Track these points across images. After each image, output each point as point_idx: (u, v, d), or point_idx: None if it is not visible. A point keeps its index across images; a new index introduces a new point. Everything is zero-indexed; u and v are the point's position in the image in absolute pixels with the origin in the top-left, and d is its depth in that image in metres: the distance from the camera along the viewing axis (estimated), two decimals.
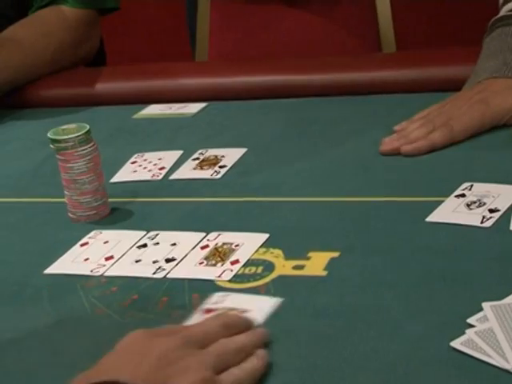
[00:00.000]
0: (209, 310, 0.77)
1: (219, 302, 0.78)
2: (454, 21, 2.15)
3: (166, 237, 0.90)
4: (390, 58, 1.35)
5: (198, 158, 1.09)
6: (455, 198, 0.90)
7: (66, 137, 0.94)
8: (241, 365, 0.68)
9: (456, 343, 0.68)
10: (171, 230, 0.92)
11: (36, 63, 1.38)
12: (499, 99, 1.02)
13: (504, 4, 1.11)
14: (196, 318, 0.76)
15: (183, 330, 0.70)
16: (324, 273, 0.81)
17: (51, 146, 0.95)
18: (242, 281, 0.81)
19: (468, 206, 0.88)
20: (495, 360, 0.65)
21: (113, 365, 0.66)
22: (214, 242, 0.88)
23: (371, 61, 1.30)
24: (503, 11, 1.10)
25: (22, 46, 1.37)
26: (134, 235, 0.92)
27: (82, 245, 0.91)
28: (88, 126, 0.95)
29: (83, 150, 0.95)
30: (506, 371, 0.64)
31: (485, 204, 0.88)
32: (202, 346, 0.67)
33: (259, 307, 0.77)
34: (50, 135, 0.95)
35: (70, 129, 0.95)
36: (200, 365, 0.65)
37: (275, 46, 1.59)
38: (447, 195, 0.91)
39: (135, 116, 1.28)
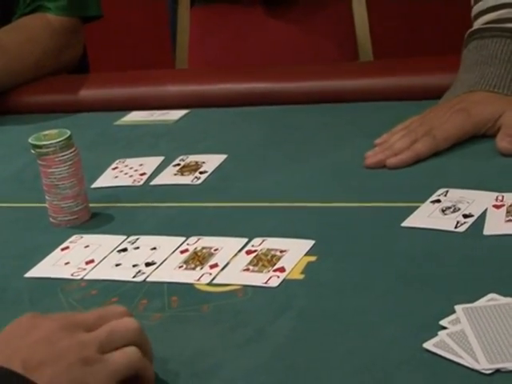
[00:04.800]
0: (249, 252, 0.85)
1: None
2: (430, 29, 2.18)
3: (146, 241, 0.91)
4: (368, 67, 1.37)
5: (178, 164, 1.10)
6: (430, 204, 0.91)
7: (48, 142, 0.95)
8: (127, 348, 0.67)
9: (429, 344, 0.69)
10: (151, 234, 0.93)
11: (19, 69, 1.39)
12: (479, 108, 1.04)
13: (477, 17, 1.13)
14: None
15: (75, 315, 0.70)
16: (301, 276, 0.82)
17: (32, 151, 0.96)
18: (221, 284, 0.82)
19: (443, 211, 0.90)
20: (466, 361, 0.67)
21: None
22: (194, 247, 0.89)
23: (350, 69, 1.32)
24: (477, 24, 1.12)
25: (5, 51, 1.38)
26: (114, 240, 0.93)
27: (62, 249, 0.92)
28: (69, 132, 0.96)
29: (64, 155, 0.96)
30: (477, 371, 0.66)
31: (459, 209, 0.89)
32: (91, 330, 0.67)
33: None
34: (31, 141, 0.96)
35: (51, 134, 0.96)
36: (82, 345, 0.65)
37: (254, 54, 1.61)
38: (423, 201, 0.92)
39: (117, 122, 1.29)
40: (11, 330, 0.67)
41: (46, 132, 0.97)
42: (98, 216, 0.99)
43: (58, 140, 0.95)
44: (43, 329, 0.66)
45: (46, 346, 0.64)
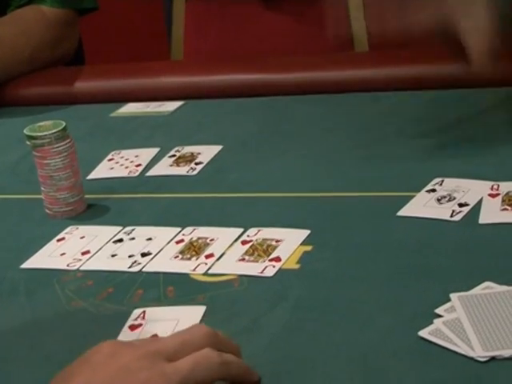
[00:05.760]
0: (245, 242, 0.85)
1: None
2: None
3: (141, 232, 0.91)
4: (363, 57, 1.37)
5: (174, 155, 1.10)
6: (426, 193, 0.91)
7: (42, 133, 0.95)
8: None
9: (424, 333, 0.69)
10: (147, 225, 0.93)
11: (14, 62, 1.38)
12: None
13: None
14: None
15: (157, 341, 0.66)
16: (297, 266, 0.82)
17: (28, 142, 0.96)
18: (216, 274, 0.83)
19: (438, 200, 0.90)
20: (461, 348, 0.67)
21: (73, 372, 0.63)
22: (189, 237, 0.89)
23: (345, 60, 1.32)
24: None
25: (1, 44, 1.38)
26: (110, 230, 0.92)
27: (58, 240, 0.92)
28: (64, 123, 0.96)
29: (59, 146, 0.96)
30: (472, 359, 0.66)
31: (455, 198, 0.89)
32: (173, 359, 0.63)
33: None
34: (26, 132, 0.96)
35: (46, 126, 0.96)
36: (163, 377, 0.62)
37: (249, 46, 1.60)
38: (418, 190, 0.92)
39: (113, 114, 1.29)
40: (91, 356, 0.64)
41: (41, 123, 0.97)
42: (94, 207, 0.99)
43: (53, 131, 0.95)
44: (123, 357, 0.63)
45: (125, 376, 0.61)
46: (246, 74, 1.31)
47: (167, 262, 0.85)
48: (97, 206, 0.99)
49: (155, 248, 0.88)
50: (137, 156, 1.12)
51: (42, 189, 0.98)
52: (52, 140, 0.95)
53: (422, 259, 0.81)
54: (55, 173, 0.96)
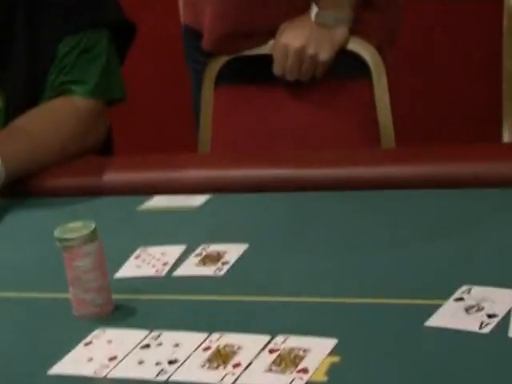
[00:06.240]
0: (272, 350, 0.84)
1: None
2: (452, 118, 2.19)
3: (168, 337, 0.91)
4: (390, 154, 1.38)
5: (200, 254, 1.11)
6: (454, 302, 0.91)
7: (72, 235, 0.96)
8: None
9: None
10: (174, 328, 0.93)
11: (44, 153, 1.41)
12: None
13: None
14: None
15: None
16: (325, 378, 0.82)
17: (57, 243, 0.97)
18: None
19: (466, 310, 0.89)
20: None
21: None
22: (217, 344, 0.89)
23: (372, 156, 1.33)
24: None
25: (31, 136, 1.40)
26: (137, 335, 0.92)
27: (85, 344, 0.92)
28: (94, 225, 0.97)
29: (88, 248, 0.96)
30: None
31: (483, 309, 0.89)
32: None
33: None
34: (56, 234, 0.97)
35: (76, 227, 0.97)
36: None
37: (276, 135, 1.63)
38: (446, 297, 0.92)
39: (139, 208, 1.30)
40: None
41: (71, 224, 0.98)
42: (121, 308, 1.00)
43: (82, 233, 0.96)
44: None
45: None
46: (273, 169, 1.32)
47: (194, 370, 0.85)
48: (124, 307, 1.00)
49: (182, 355, 0.88)
50: (163, 253, 1.12)
51: (70, 289, 0.98)
52: (81, 242, 0.96)
53: (451, 373, 0.80)
54: (84, 274, 0.97)
